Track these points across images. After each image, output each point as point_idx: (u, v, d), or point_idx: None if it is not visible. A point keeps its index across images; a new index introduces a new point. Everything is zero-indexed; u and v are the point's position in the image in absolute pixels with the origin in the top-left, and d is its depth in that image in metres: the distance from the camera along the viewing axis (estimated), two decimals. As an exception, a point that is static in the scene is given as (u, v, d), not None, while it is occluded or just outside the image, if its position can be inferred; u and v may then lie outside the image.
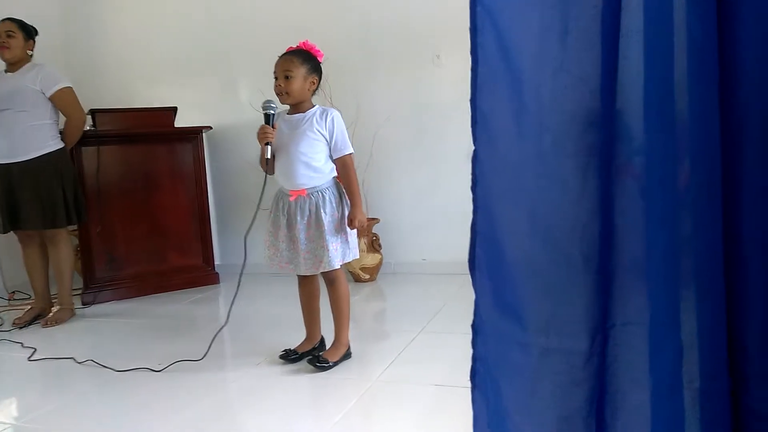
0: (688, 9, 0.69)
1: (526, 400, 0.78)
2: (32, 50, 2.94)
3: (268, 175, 2.10)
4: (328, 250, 2.01)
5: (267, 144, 2.02)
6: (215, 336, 2.23)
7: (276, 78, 2.02)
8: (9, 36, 2.82)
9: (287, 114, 2.11)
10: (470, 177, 0.76)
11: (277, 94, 2.03)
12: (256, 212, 2.09)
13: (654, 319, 0.74)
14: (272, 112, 2.03)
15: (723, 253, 0.74)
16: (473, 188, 0.76)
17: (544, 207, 0.76)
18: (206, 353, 2.19)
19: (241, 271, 2.10)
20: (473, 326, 0.80)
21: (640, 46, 0.70)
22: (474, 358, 0.80)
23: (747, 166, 0.74)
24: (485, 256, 0.77)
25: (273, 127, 2.03)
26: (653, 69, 0.70)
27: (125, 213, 3.41)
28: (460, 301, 2.88)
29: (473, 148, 0.75)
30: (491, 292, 0.78)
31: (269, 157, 2.02)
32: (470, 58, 0.74)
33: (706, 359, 0.73)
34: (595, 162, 0.76)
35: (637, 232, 0.79)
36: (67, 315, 3.01)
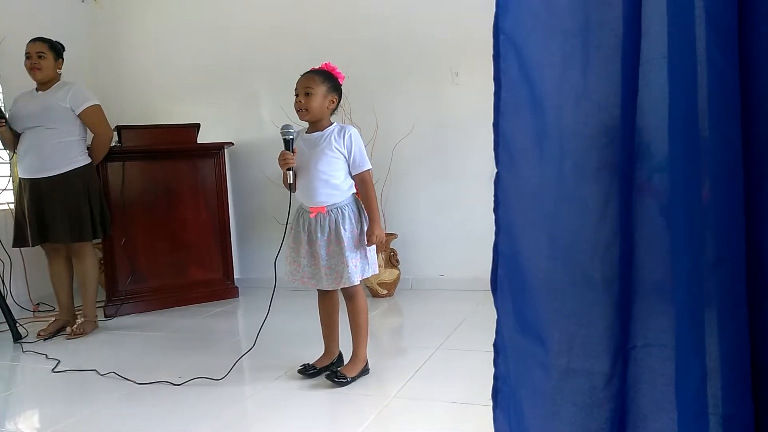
0: (707, 30, 0.70)
1: (547, 420, 0.78)
2: (61, 68, 3.03)
3: (292, 195, 2.13)
4: (347, 266, 2.03)
5: (289, 169, 2.05)
6: (239, 359, 2.25)
7: (297, 95, 2.06)
8: (40, 57, 2.92)
9: (306, 132, 2.14)
10: (492, 198, 0.77)
11: (297, 111, 2.07)
12: (284, 235, 2.12)
13: (679, 342, 0.73)
14: (292, 137, 2.07)
15: (746, 273, 0.74)
16: (495, 210, 0.77)
17: (565, 229, 0.76)
18: (227, 374, 2.21)
19: (272, 295, 2.13)
20: (495, 345, 0.81)
21: (662, 71, 0.71)
22: (496, 378, 0.81)
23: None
24: (507, 277, 0.78)
25: (293, 151, 2.07)
26: (677, 91, 0.71)
27: (148, 227, 3.48)
28: (479, 317, 2.87)
29: (495, 170, 0.77)
30: (513, 313, 0.79)
31: (291, 182, 2.06)
32: (493, 83, 0.76)
33: (729, 384, 0.72)
34: (616, 185, 0.77)
35: (658, 252, 0.79)
36: (91, 327, 3.06)
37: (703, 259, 0.72)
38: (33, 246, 2.98)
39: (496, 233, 0.78)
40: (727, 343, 0.72)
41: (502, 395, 0.80)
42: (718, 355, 0.72)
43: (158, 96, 4.24)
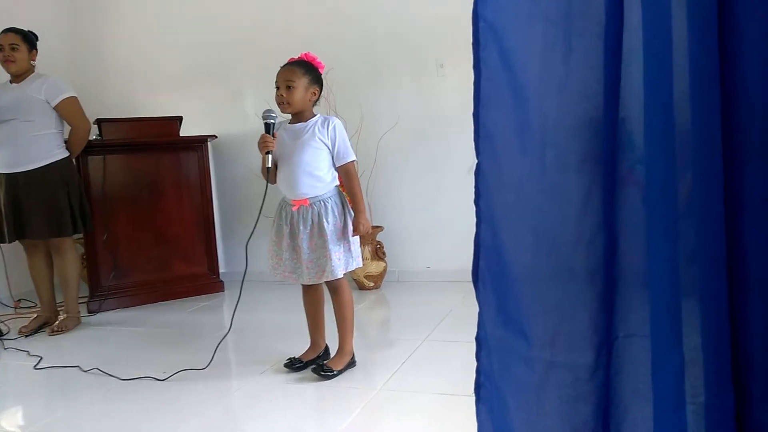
0: (688, 25, 0.70)
1: (532, 415, 0.78)
2: (35, 60, 2.96)
3: (269, 184, 2.11)
4: (330, 260, 2.02)
5: (267, 153, 2.03)
6: (219, 344, 2.24)
7: (278, 88, 2.04)
8: (13, 49, 2.84)
9: (288, 124, 2.12)
10: (473, 190, 0.76)
11: (278, 104, 2.05)
12: (257, 220, 2.10)
13: (655, 332, 0.73)
14: (272, 121, 2.05)
15: (726, 264, 0.74)
16: (476, 201, 0.76)
17: (548, 221, 0.76)
18: (210, 362, 2.19)
19: (243, 278, 2.11)
20: (477, 339, 0.80)
21: (641, 60, 0.70)
22: (478, 372, 0.80)
23: (749, 177, 0.74)
24: (489, 270, 0.77)
25: (273, 136, 2.05)
26: (652, 82, 0.70)
27: (131, 221, 3.43)
28: (465, 309, 2.87)
29: (476, 161, 0.76)
30: (495, 306, 0.78)
31: (270, 166, 2.04)
32: (473, 73, 0.74)
33: (710, 373, 0.72)
34: (599, 176, 0.77)
35: (640, 243, 0.79)
36: (73, 323, 3.01)
37: (680, 250, 0.72)
38: (10, 242, 2.92)
39: (477, 225, 0.77)
40: (707, 331, 0.72)
41: (484, 390, 0.79)
42: (699, 344, 0.72)
43: (140, 88, 4.17)
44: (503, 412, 0.79)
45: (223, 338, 2.27)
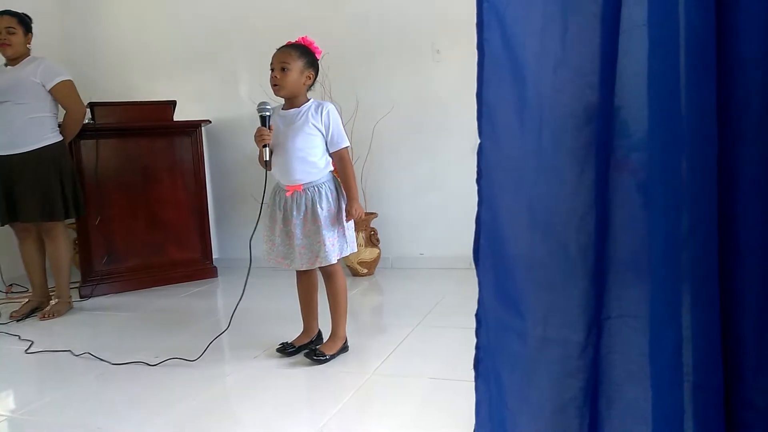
0: (687, 1, 0.70)
1: (523, 389, 0.79)
2: (30, 43, 2.93)
3: (268, 173, 2.10)
4: (324, 245, 2.02)
5: (265, 146, 2.02)
6: (213, 341, 2.23)
7: (272, 69, 2.02)
8: (9, 32, 2.81)
9: (282, 109, 2.11)
10: (475, 169, 0.77)
11: (272, 86, 2.03)
12: (259, 214, 2.09)
13: (654, 313, 0.75)
14: (268, 113, 2.03)
15: (719, 247, 0.75)
16: (478, 181, 0.76)
17: (542, 200, 0.76)
18: (202, 354, 2.18)
19: (247, 275, 2.10)
20: (477, 316, 0.81)
21: (642, 41, 0.70)
22: (477, 348, 0.81)
23: (744, 161, 0.75)
24: (488, 248, 0.78)
25: (269, 128, 2.03)
26: (657, 64, 0.71)
27: (124, 207, 3.41)
28: (458, 295, 2.89)
29: (479, 141, 0.76)
30: (493, 283, 0.79)
31: (268, 159, 2.03)
32: (476, 53, 0.75)
33: (701, 353, 0.74)
34: (593, 156, 0.77)
35: (634, 225, 0.80)
36: (65, 308, 3.01)
37: (676, 232, 0.72)
38: (2, 225, 2.90)
39: (479, 204, 0.78)
40: (698, 312, 0.73)
41: (483, 365, 0.80)
42: (690, 324, 0.73)
43: (133, 72, 4.13)
44: (498, 386, 0.80)
45: (218, 336, 2.27)
